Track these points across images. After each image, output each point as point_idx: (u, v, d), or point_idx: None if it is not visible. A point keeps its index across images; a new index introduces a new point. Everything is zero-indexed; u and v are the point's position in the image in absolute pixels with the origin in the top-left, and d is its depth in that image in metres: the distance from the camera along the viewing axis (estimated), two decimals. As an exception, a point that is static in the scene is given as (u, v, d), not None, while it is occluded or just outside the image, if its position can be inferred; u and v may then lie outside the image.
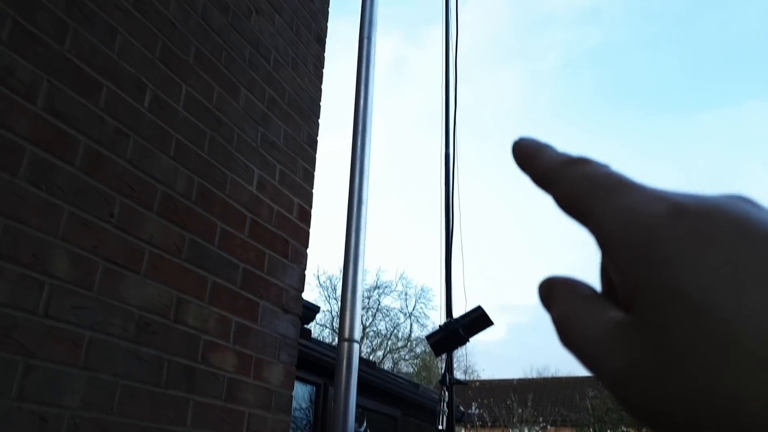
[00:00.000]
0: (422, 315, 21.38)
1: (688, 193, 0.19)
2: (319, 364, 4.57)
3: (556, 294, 0.22)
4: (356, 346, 1.99)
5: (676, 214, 0.18)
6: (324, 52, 3.10)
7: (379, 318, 21.31)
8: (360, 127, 2.25)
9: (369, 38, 2.10)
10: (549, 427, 17.74)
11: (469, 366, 20.88)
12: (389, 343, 21.42)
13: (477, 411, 17.50)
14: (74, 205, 1.59)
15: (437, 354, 2.77)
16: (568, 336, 0.21)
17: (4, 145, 1.43)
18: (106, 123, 1.75)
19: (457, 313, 2.75)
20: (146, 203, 1.82)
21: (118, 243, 1.70)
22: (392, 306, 22.96)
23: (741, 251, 0.17)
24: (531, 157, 0.24)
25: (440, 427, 2.59)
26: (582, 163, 0.22)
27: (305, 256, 2.57)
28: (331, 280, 20.57)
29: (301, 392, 4.70)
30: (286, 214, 2.50)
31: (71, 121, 1.63)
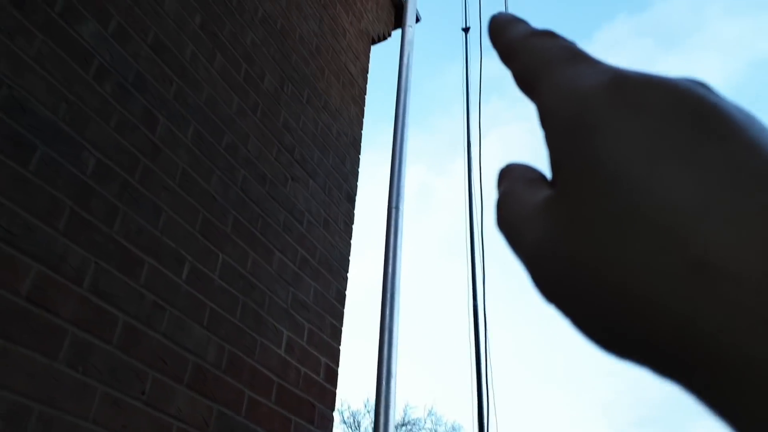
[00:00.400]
0: (454, 458, 19.99)
1: (642, 71, 0.17)
2: None
3: (506, 177, 0.21)
4: None
5: (616, 84, 0.17)
6: (354, 209, 3.24)
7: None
8: (390, 275, 2.30)
9: (397, 208, 2.21)
10: None
11: None
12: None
13: None
14: (108, 385, 1.61)
15: None
16: (501, 215, 0.20)
17: (49, 330, 1.50)
18: (145, 298, 1.82)
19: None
20: (177, 376, 1.84)
21: (146, 420, 1.70)
22: (422, 447, 21.61)
23: (670, 123, 0.15)
24: (501, 30, 0.23)
25: None
26: (544, 35, 0.21)
27: (331, 420, 2.50)
28: (355, 417, 19.67)
29: None
30: (313, 376, 2.48)
31: (112, 299, 1.71)
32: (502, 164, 0.22)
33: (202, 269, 2.08)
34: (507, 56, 0.22)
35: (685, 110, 0.15)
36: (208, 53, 2.23)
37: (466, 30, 3.21)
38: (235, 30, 2.42)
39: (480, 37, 3.09)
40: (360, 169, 3.44)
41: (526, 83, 0.20)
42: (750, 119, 0.15)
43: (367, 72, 3.68)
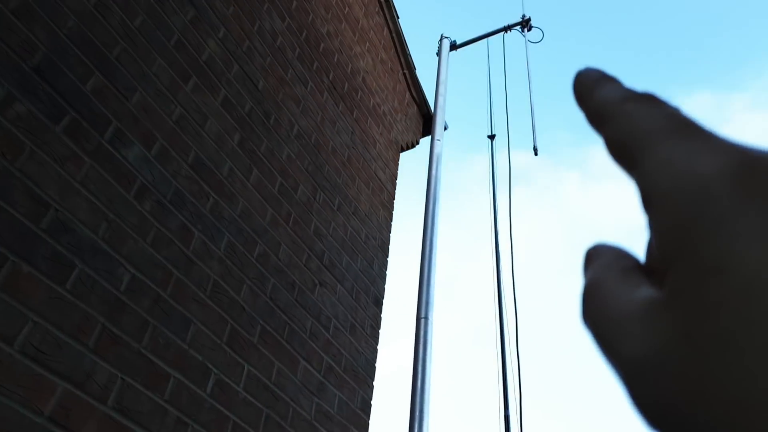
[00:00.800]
0: None
1: (764, 148, 0.15)
2: None
3: (594, 261, 0.19)
4: None
5: (746, 168, 0.14)
6: (381, 313, 3.21)
7: None
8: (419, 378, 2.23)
9: (426, 318, 2.19)
10: None
11: None
12: None
13: None
14: None
15: None
16: (589, 309, 0.17)
17: (69, 452, 1.48)
18: (168, 414, 1.80)
19: None
20: (194, 499, 1.78)
21: None
22: None
23: None
24: (590, 89, 0.20)
25: None
26: (645, 99, 0.18)
27: None
28: None
29: None
30: (336, 496, 2.37)
31: (136, 416, 1.69)
32: (589, 245, 0.20)
33: (227, 381, 2.06)
34: (598, 120, 0.19)
35: None
36: (244, 168, 2.33)
37: (492, 137, 3.30)
38: (271, 146, 2.53)
39: (508, 142, 3.18)
40: (388, 272, 3.45)
41: (624, 155, 0.17)
42: None
43: (396, 178, 3.78)
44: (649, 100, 0.18)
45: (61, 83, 1.67)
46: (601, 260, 0.18)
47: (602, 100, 0.19)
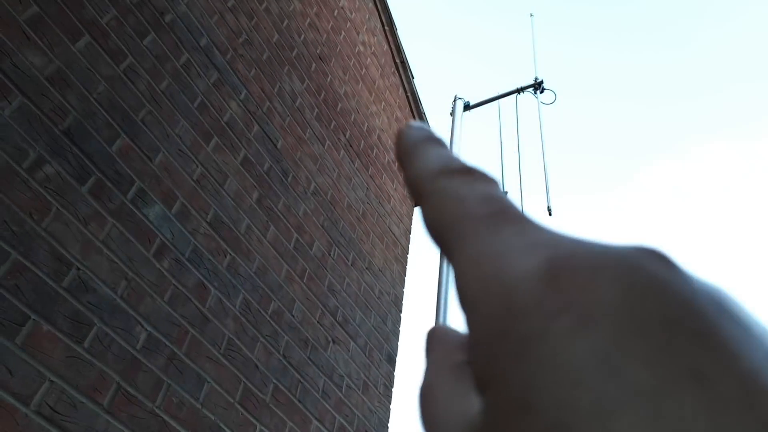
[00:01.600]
0: None
1: (581, 242, 0.13)
2: None
3: (431, 352, 0.17)
4: None
5: (552, 274, 0.12)
6: (395, 371, 3.17)
7: None
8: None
9: None
10: None
11: None
12: None
13: None
14: None
15: None
16: (425, 416, 0.15)
17: None
18: (179, 477, 1.76)
19: None
20: None
21: None
22: None
23: (624, 345, 0.11)
24: (408, 153, 0.18)
25: None
26: (462, 175, 0.16)
27: None
28: None
29: None
30: None
31: (146, 479, 1.66)
32: (428, 328, 0.18)
33: (239, 443, 2.02)
34: (413, 192, 0.18)
35: (646, 312, 0.11)
36: (262, 225, 2.36)
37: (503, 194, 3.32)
38: (288, 203, 2.57)
39: (521, 202, 3.20)
40: (401, 329, 3.42)
41: (439, 241, 0.16)
42: (728, 313, 0.11)
43: (410, 232, 3.80)
44: (466, 174, 0.16)
45: (89, 145, 1.73)
46: (435, 355, 0.16)
47: (420, 172, 0.17)
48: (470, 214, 0.15)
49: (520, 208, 0.15)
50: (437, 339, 0.17)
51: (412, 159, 0.18)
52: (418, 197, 0.17)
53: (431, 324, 0.19)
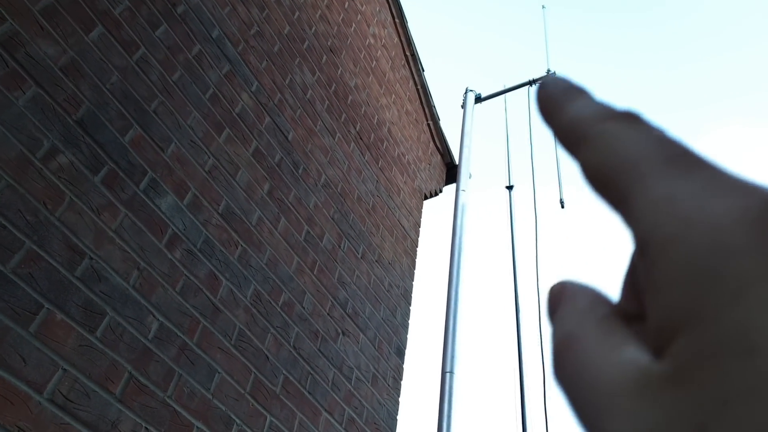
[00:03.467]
0: None
1: None
2: None
3: (566, 307, 0.16)
4: None
5: (762, 219, 0.11)
6: (403, 363, 3.17)
7: None
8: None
9: (451, 372, 2.16)
10: None
11: None
12: None
13: None
14: None
15: None
16: (565, 371, 0.14)
17: (91, 504, 1.46)
18: (190, 466, 1.77)
19: None
20: None
21: None
22: None
23: None
24: (560, 103, 0.17)
25: None
26: (627, 119, 0.15)
27: None
28: None
29: None
30: None
31: (158, 468, 1.67)
32: (554, 283, 0.17)
33: (249, 433, 2.03)
34: (573, 141, 0.16)
35: None
36: (273, 217, 2.37)
37: (510, 188, 3.31)
38: (299, 195, 2.57)
39: (534, 195, 3.18)
40: (410, 322, 3.42)
41: (608, 186, 0.15)
42: None
43: (420, 226, 3.79)
44: (633, 120, 0.15)
45: (102, 135, 1.73)
46: (574, 306, 0.15)
47: (576, 117, 0.16)
48: (649, 156, 0.14)
49: (699, 152, 0.14)
50: (569, 293, 0.16)
51: (566, 105, 0.17)
52: (579, 144, 0.16)
53: (556, 280, 0.17)
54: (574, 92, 0.17)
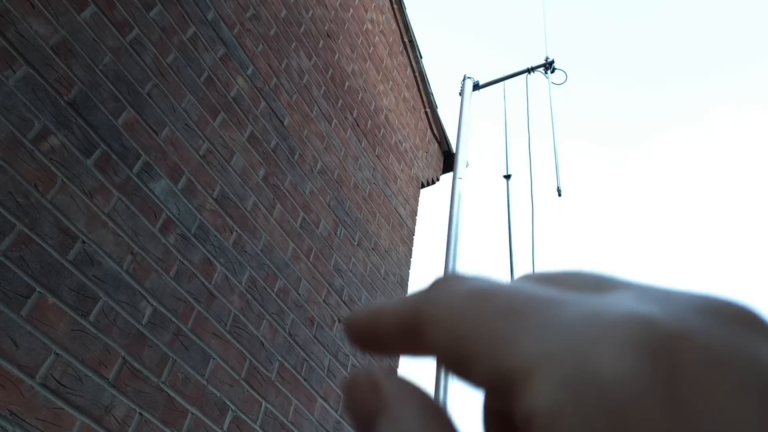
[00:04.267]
0: None
1: (667, 292, 0.12)
2: None
3: (390, 411, 0.13)
4: None
5: (666, 373, 0.10)
6: (399, 352, 3.17)
7: None
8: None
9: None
10: None
11: None
12: None
13: None
14: None
15: None
16: None
17: (85, 489, 1.45)
18: (184, 452, 1.76)
19: None
20: None
21: None
22: None
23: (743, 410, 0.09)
24: (370, 319, 0.16)
25: None
26: (442, 284, 0.14)
27: None
28: None
29: None
30: None
31: (152, 453, 1.66)
32: (356, 370, 0.15)
33: (244, 419, 2.02)
34: (404, 339, 0.15)
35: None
36: (268, 203, 2.34)
37: (507, 177, 3.29)
38: (295, 181, 2.55)
39: (531, 182, 3.16)
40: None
41: (461, 358, 0.13)
42: None
43: (416, 214, 3.77)
44: (447, 282, 0.14)
45: (94, 117, 1.70)
46: (400, 397, 0.14)
47: (397, 313, 0.15)
48: (505, 309, 0.13)
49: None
50: (393, 392, 0.14)
51: (373, 323, 0.16)
52: (409, 338, 0.15)
53: (358, 369, 0.16)
54: (374, 310, 0.16)
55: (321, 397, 2.44)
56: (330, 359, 2.57)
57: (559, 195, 2.96)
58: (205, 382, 1.90)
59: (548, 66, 3.44)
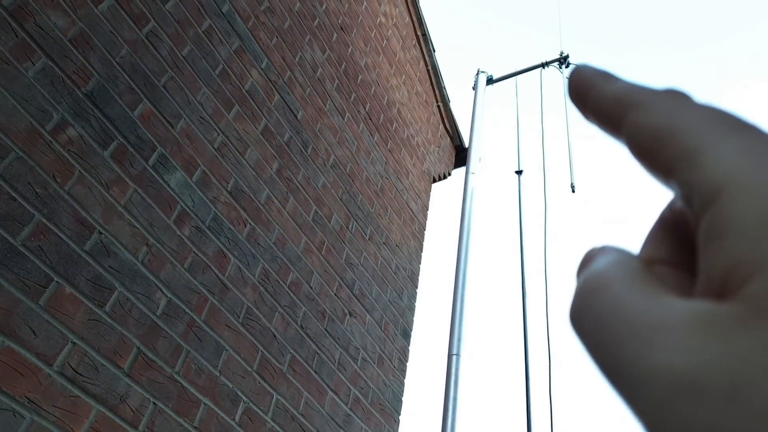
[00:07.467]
0: None
1: None
2: None
3: (598, 258, 0.15)
4: None
5: None
6: (409, 345, 3.17)
7: None
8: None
9: (458, 355, 2.15)
10: None
11: None
12: None
13: None
14: None
15: None
16: (595, 309, 0.14)
17: (100, 476, 1.47)
18: (197, 442, 1.78)
19: None
20: None
21: None
22: None
23: None
24: (597, 83, 0.17)
25: None
26: (676, 94, 0.15)
27: None
28: None
29: None
30: None
31: (166, 442, 1.68)
32: (587, 248, 0.17)
33: (256, 410, 2.04)
34: (617, 112, 0.16)
35: None
36: (281, 196, 2.35)
37: (519, 173, 3.28)
38: (308, 174, 2.56)
39: (544, 179, 3.15)
40: (417, 304, 3.42)
41: (669, 146, 0.14)
42: None
43: (428, 209, 3.77)
44: (682, 94, 0.15)
45: (111, 109, 1.72)
46: (606, 257, 0.15)
47: (622, 90, 0.16)
48: (709, 121, 0.14)
49: (752, 120, 0.14)
50: (602, 250, 0.16)
51: (603, 84, 0.17)
52: (623, 113, 0.16)
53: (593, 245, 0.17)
54: (610, 75, 0.17)
55: (331, 390, 2.45)
56: (341, 352, 2.58)
57: (573, 191, 2.95)
58: (217, 374, 1.92)
59: (563, 61, 3.42)
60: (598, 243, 0.17)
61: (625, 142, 0.16)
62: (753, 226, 0.12)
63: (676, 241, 0.16)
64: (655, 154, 0.15)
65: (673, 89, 0.16)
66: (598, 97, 0.17)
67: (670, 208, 0.17)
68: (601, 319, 0.13)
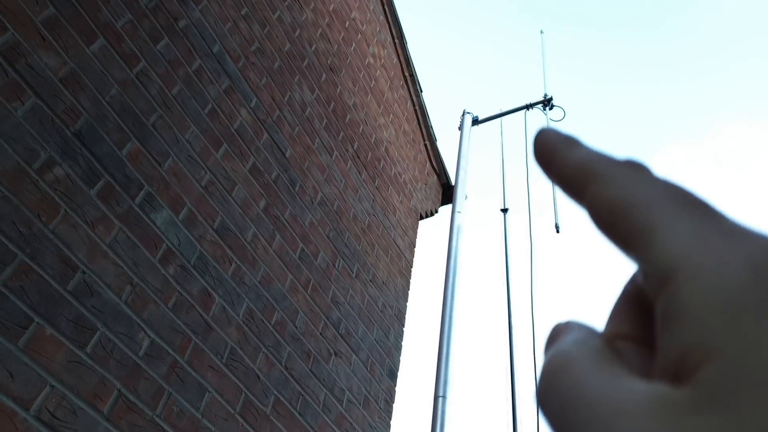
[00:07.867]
0: None
1: None
2: None
3: (563, 336, 0.16)
4: None
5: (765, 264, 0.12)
6: (395, 386, 3.13)
7: None
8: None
9: (444, 397, 2.13)
10: None
11: None
12: None
13: None
14: None
15: None
16: (559, 390, 0.14)
17: None
18: (177, 488, 1.73)
19: None
20: None
21: None
22: None
23: None
24: (560, 149, 0.18)
25: None
26: (634, 166, 0.16)
27: None
28: None
29: None
30: None
31: (144, 489, 1.63)
32: (553, 323, 0.17)
33: (238, 455, 1.99)
34: (579, 181, 0.17)
35: None
36: (268, 234, 2.35)
37: (504, 211, 3.31)
38: (295, 212, 2.56)
39: (529, 219, 3.18)
40: (403, 344, 3.39)
41: (623, 221, 0.15)
42: None
43: (415, 246, 3.77)
44: (640, 167, 0.16)
45: (99, 148, 1.72)
46: (571, 336, 0.16)
47: (583, 159, 0.17)
48: (664, 197, 0.15)
49: (705, 198, 0.15)
50: (569, 328, 0.16)
51: (566, 151, 0.17)
52: (584, 182, 0.16)
53: (559, 319, 0.17)
54: (573, 141, 0.18)
55: None
56: (326, 393, 2.54)
57: (558, 231, 2.98)
58: (200, 416, 1.88)
59: (546, 103, 3.49)
60: (563, 319, 0.17)
61: (586, 212, 0.16)
62: (704, 313, 0.12)
63: (639, 315, 0.17)
64: (613, 228, 0.15)
65: (632, 161, 0.16)
66: (561, 164, 0.17)
67: (633, 282, 0.17)
68: (563, 400, 0.13)
